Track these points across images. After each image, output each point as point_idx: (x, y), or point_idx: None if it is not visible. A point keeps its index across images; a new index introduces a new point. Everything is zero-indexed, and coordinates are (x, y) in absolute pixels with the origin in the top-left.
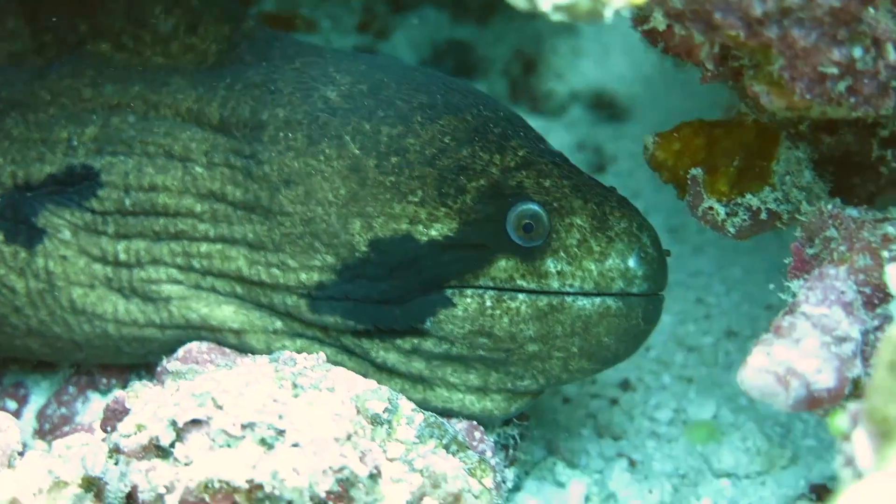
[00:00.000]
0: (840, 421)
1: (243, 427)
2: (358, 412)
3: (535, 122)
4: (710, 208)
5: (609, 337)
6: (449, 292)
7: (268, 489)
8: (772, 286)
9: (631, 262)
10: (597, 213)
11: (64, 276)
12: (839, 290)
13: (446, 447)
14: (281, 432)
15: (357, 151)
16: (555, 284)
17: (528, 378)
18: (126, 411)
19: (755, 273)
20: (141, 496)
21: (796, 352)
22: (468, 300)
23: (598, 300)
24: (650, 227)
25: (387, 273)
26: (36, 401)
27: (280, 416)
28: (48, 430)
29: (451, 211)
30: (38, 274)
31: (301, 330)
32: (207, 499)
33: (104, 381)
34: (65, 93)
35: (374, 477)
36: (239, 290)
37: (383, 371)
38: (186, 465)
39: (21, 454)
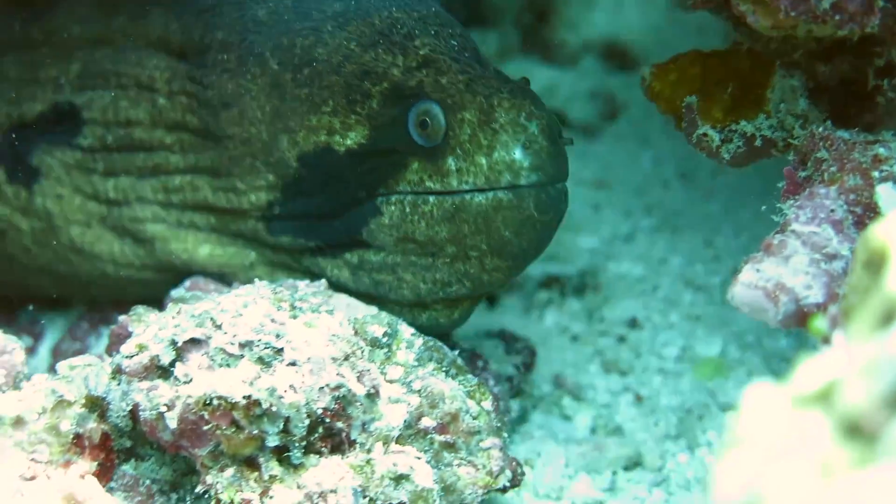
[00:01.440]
0: (820, 323)
1: (241, 346)
2: (356, 334)
3: (547, 72)
4: (705, 135)
5: (508, 231)
6: (378, 201)
7: (265, 405)
8: (763, 207)
9: (516, 154)
10: (484, 106)
11: (62, 214)
12: (829, 209)
13: (445, 370)
14: (279, 351)
15: (276, 67)
16: (454, 183)
17: (455, 283)
18: (129, 335)
19: (764, 216)
20: (142, 414)
21: (785, 268)
22: (392, 207)
23: (490, 195)
24: (542, 115)
25: (319, 187)
26: (51, 336)
27: (277, 336)
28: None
29: (360, 118)
30: (39, 213)
31: (272, 257)
32: (206, 415)
33: (116, 317)
34: (57, 31)
35: (371, 396)
36: (213, 221)
37: (339, 290)
38: (186, 383)
39: (27, 377)
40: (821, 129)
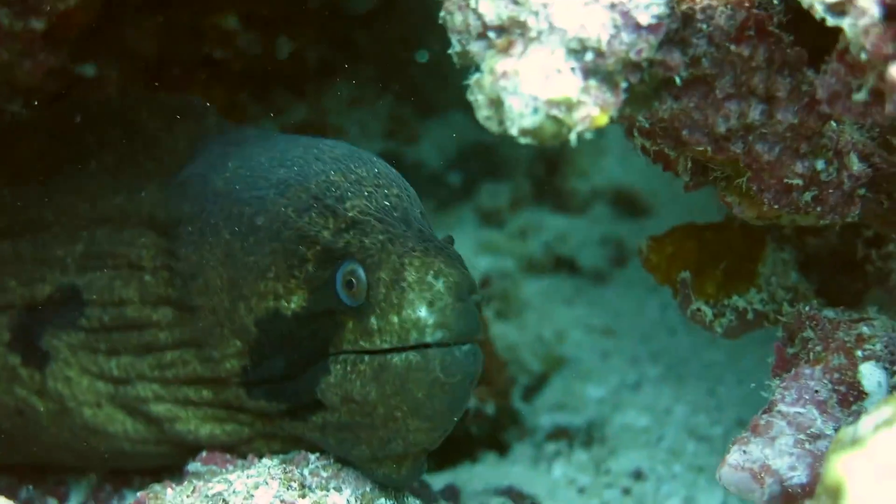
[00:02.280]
0: None
1: None
2: None
3: (559, 220)
4: (699, 310)
5: (420, 393)
6: (329, 360)
7: None
8: (753, 385)
9: (421, 312)
10: (396, 265)
11: (72, 396)
12: (813, 390)
13: None
14: None
15: (228, 237)
16: (377, 342)
17: (391, 442)
18: None
19: (766, 365)
20: None
21: (771, 450)
22: (338, 366)
23: (402, 355)
24: (451, 272)
25: (278, 350)
26: (76, 498)
27: None
28: None
29: (299, 281)
30: (52, 396)
31: (262, 429)
32: None
33: (138, 480)
34: (66, 210)
35: None
36: (206, 394)
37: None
38: None
39: None
40: (807, 309)
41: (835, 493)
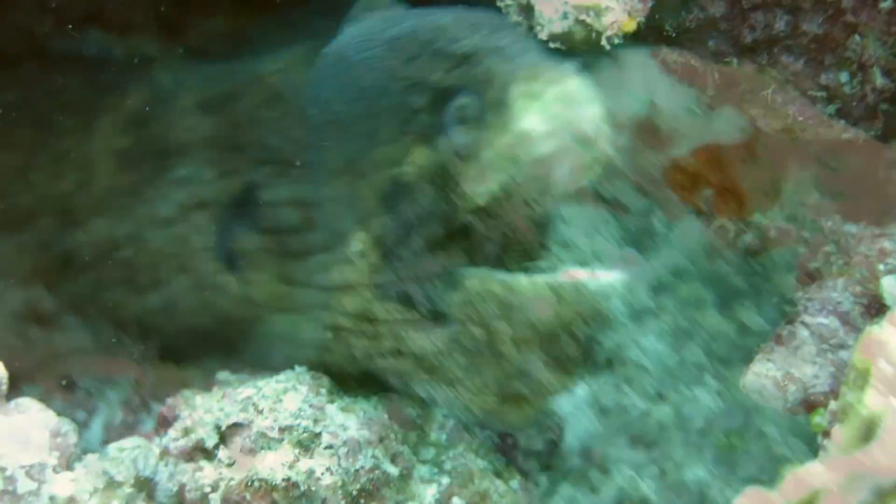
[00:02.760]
0: (820, 420)
1: (281, 430)
2: (390, 417)
3: None
4: (721, 227)
5: None
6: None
7: (303, 487)
8: (775, 299)
9: None
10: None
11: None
12: (836, 301)
13: (475, 451)
14: (317, 435)
15: (342, 107)
16: None
17: None
18: (177, 417)
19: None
20: (188, 494)
21: (794, 358)
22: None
23: None
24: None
25: (407, 230)
26: (104, 411)
27: (315, 420)
28: (114, 438)
29: (415, 136)
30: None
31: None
32: (248, 496)
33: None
34: None
35: (404, 477)
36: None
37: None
38: (229, 465)
39: (80, 457)
40: (829, 223)
41: (863, 377)
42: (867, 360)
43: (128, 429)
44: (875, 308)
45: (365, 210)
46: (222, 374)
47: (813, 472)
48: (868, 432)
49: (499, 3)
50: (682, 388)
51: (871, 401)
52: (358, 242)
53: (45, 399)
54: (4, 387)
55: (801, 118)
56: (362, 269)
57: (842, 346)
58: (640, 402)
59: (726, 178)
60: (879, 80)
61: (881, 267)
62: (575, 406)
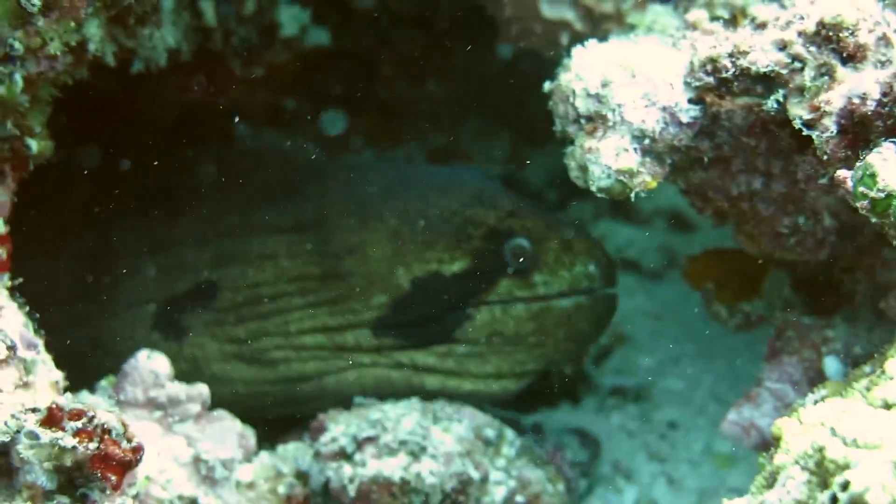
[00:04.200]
0: (762, 459)
1: (400, 443)
2: (476, 437)
3: (627, 231)
4: (717, 311)
5: (584, 323)
6: (468, 309)
7: (413, 484)
8: (745, 369)
9: (591, 267)
10: (563, 238)
11: (204, 357)
12: (790, 373)
13: (534, 462)
14: (424, 448)
15: (394, 223)
16: (541, 291)
17: (530, 362)
18: (325, 429)
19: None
20: (332, 484)
21: (757, 412)
22: (483, 313)
23: (573, 298)
24: (601, 244)
25: (425, 300)
26: None
27: (424, 437)
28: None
29: (464, 252)
30: (187, 359)
31: (361, 359)
32: (374, 488)
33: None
34: (190, 232)
35: (483, 480)
36: (322, 340)
37: (424, 371)
38: (362, 465)
39: (257, 454)
40: (791, 316)
41: (776, 440)
42: (780, 428)
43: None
44: (818, 379)
45: (392, 283)
46: (358, 399)
47: None
48: (772, 481)
49: (565, 161)
50: (689, 418)
51: (776, 459)
52: (375, 300)
53: None
54: (208, 401)
55: (770, 246)
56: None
57: (791, 406)
58: (657, 427)
59: (724, 274)
60: (828, 221)
61: (825, 349)
62: (608, 429)
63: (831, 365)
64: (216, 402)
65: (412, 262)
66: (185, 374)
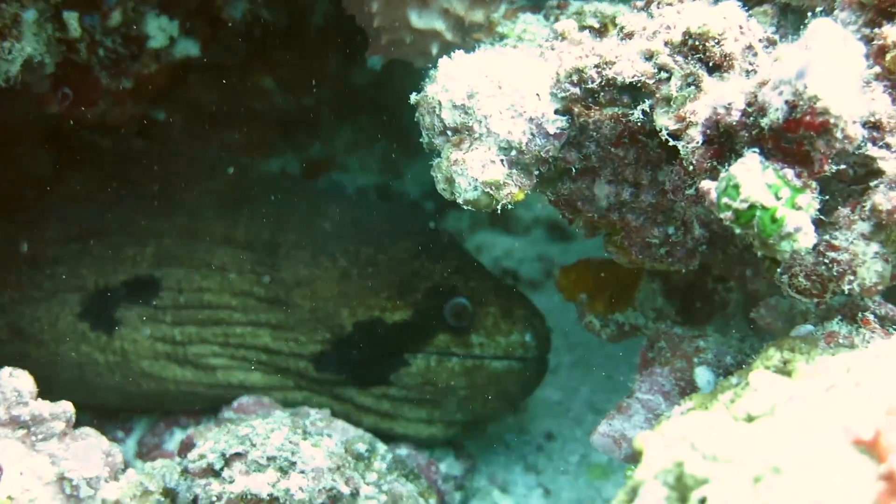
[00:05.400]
0: (630, 472)
1: (268, 459)
2: (346, 451)
3: (506, 240)
4: (590, 322)
5: (513, 386)
6: (406, 356)
7: (282, 501)
8: (622, 378)
9: (527, 337)
10: (504, 305)
11: (135, 352)
12: (661, 384)
13: (406, 476)
14: (293, 464)
15: (345, 264)
16: (476, 351)
17: (459, 413)
18: (193, 445)
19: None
20: (200, 502)
21: (628, 423)
22: (419, 361)
23: (505, 362)
24: (540, 314)
25: (363, 345)
26: (138, 431)
27: (293, 453)
28: (145, 453)
29: (407, 303)
30: (116, 351)
31: (305, 385)
32: None
33: (184, 420)
34: (128, 224)
35: (353, 495)
36: (264, 357)
37: (361, 409)
38: (230, 482)
39: (124, 471)
40: (663, 326)
41: (639, 455)
42: (642, 442)
43: (155, 446)
44: (689, 389)
45: (335, 323)
46: (227, 413)
47: None
48: (633, 496)
49: (432, 173)
50: (566, 429)
51: (638, 473)
52: (319, 335)
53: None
54: (73, 419)
55: (640, 256)
56: (314, 349)
57: (662, 417)
58: (534, 439)
59: (597, 284)
60: (698, 231)
61: (696, 360)
62: (484, 441)
63: (702, 375)
64: (147, 398)
65: (357, 306)
66: (112, 366)
